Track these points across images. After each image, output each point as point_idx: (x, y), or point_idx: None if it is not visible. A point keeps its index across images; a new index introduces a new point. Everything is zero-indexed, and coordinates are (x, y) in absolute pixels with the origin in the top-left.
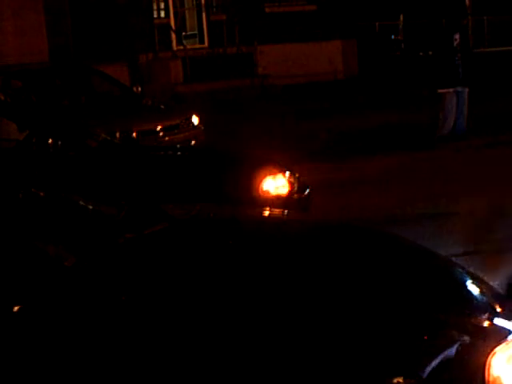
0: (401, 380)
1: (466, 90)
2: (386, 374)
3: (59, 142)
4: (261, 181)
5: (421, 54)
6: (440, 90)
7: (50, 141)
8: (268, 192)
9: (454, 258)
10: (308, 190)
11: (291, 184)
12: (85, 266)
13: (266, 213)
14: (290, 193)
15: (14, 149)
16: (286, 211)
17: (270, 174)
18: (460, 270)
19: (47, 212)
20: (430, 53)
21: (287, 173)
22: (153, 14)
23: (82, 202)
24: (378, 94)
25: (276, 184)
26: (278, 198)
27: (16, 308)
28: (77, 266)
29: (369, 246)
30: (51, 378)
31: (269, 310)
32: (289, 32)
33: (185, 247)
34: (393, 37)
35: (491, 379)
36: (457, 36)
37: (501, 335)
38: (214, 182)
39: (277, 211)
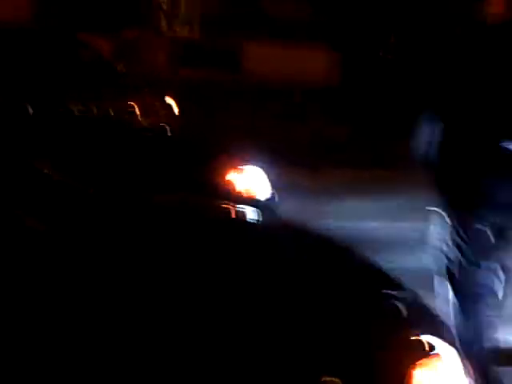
0: (332, 380)
1: None
2: (319, 373)
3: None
4: (226, 172)
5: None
6: None
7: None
8: (231, 183)
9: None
10: (274, 191)
11: (256, 179)
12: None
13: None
14: (256, 188)
15: None
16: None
17: (236, 166)
18: (393, 282)
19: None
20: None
21: (254, 168)
22: None
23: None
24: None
25: (240, 177)
26: (242, 191)
27: None
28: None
29: (305, 250)
30: None
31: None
32: (280, 34)
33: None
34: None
35: None
36: None
37: (424, 350)
38: (179, 168)
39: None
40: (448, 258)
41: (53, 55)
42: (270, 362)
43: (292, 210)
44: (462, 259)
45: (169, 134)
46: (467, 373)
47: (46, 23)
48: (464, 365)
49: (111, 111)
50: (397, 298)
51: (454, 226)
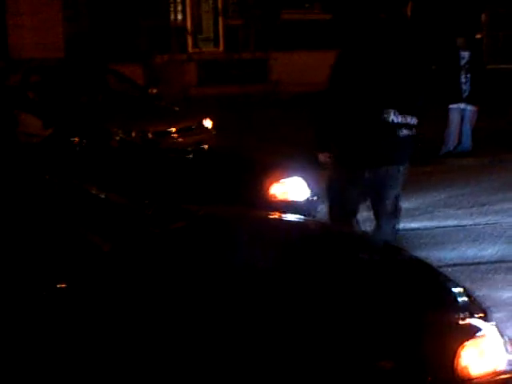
0: (386, 363)
1: (472, 107)
2: (375, 358)
3: (84, 141)
4: (269, 185)
5: (433, 67)
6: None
7: (76, 139)
8: (275, 196)
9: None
10: (316, 197)
11: (298, 189)
12: (121, 254)
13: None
14: (298, 198)
15: (41, 145)
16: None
17: (278, 179)
18: (441, 275)
19: (84, 205)
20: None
21: (295, 178)
22: (169, 16)
23: (112, 198)
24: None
25: (283, 189)
26: (285, 202)
27: (61, 285)
28: (113, 252)
29: (356, 250)
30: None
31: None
32: (303, 40)
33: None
34: None
35: (459, 368)
36: (466, 54)
37: (471, 331)
38: (225, 185)
39: (279, 214)
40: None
41: (86, 86)
42: (328, 348)
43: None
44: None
45: (208, 152)
46: (507, 350)
47: (80, 59)
48: (505, 343)
49: (150, 134)
50: (444, 286)
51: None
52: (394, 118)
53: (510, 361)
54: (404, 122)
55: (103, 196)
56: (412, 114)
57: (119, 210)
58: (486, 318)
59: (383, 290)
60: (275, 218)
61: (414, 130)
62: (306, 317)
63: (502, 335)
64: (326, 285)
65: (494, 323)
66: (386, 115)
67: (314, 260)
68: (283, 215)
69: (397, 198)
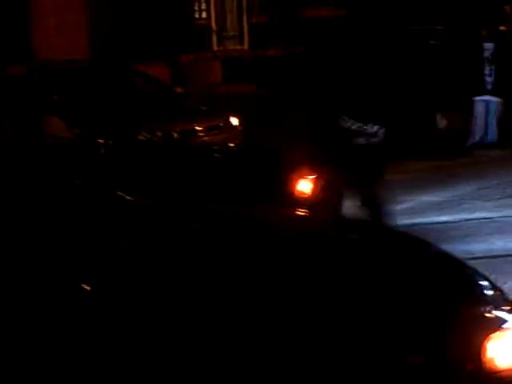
0: (415, 357)
1: (497, 99)
2: (403, 352)
3: (110, 142)
4: (297, 182)
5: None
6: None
7: (102, 141)
8: (303, 193)
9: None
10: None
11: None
12: (142, 254)
13: (297, 213)
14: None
15: (67, 146)
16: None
17: (306, 176)
18: (468, 268)
19: (110, 206)
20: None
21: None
22: (193, 15)
23: (134, 199)
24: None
25: (310, 186)
26: (311, 199)
27: (87, 287)
28: (135, 253)
29: (385, 245)
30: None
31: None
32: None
33: (225, 244)
34: (431, 42)
35: (486, 360)
36: (489, 45)
37: (497, 324)
38: (253, 183)
39: (306, 212)
40: None
41: (111, 87)
42: (355, 345)
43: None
44: None
45: (235, 150)
46: None
47: (105, 60)
48: None
49: (175, 134)
50: (470, 279)
51: None
52: (349, 124)
53: None
54: (360, 129)
55: (129, 198)
56: (373, 122)
57: (144, 211)
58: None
59: (409, 283)
60: (300, 216)
61: (375, 139)
62: (335, 312)
63: None
64: (353, 279)
65: None
66: (342, 121)
67: (342, 256)
68: (310, 212)
69: None
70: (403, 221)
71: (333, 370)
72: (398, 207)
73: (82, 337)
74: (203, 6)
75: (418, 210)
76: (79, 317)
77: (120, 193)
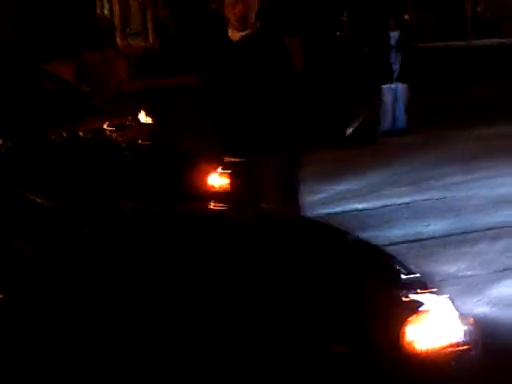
0: (338, 347)
1: (403, 85)
2: (326, 343)
3: (7, 143)
4: (207, 176)
5: (365, 50)
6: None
7: (0, 141)
8: (213, 187)
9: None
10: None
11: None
12: (48, 256)
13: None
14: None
15: None
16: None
17: (216, 170)
18: (386, 255)
19: (12, 208)
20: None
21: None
22: (96, 11)
23: (36, 198)
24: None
25: (222, 179)
26: (223, 192)
27: None
28: (39, 255)
29: (303, 235)
30: None
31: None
32: None
33: (135, 241)
34: (337, 33)
35: (405, 343)
36: (395, 33)
37: (414, 307)
38: (162, 179)
39: (219, 205)
40: None
41: (14, 87)
42: (278, 336)
43: None
44: None
45: (144, 147)
46: (463, 321)
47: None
48: (460, 314)
49: (81, 133)
50: (387, 265)
51: None
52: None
53: (464, 332)
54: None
55: (33, 199)
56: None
57: (50, 212)
58: (433, 293)
59: (328, 273)
60: (210, 211)
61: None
62: (252, 305)
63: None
64: (271, 271)
65: (446, 296)
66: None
67: (255, 247)
68: (221, 206)
69: None
70: (320, 210)
71: (252, 367)
72: (315, 197)
73: None
74: (106, 4)
75: (335, 199)
76: None
77: (22, 192)
